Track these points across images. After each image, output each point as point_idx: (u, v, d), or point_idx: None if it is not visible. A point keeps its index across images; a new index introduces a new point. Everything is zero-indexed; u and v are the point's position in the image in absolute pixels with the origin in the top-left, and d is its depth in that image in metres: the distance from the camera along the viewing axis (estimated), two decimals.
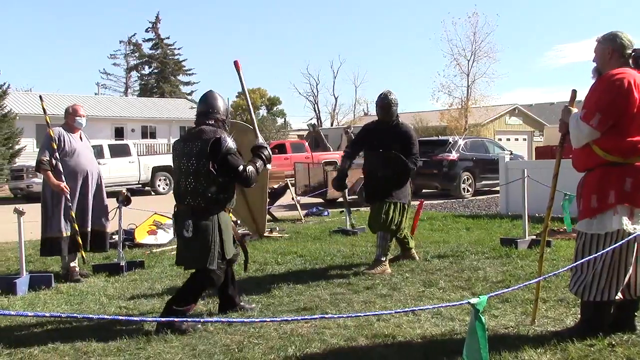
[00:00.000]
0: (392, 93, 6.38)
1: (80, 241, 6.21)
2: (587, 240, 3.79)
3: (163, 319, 4.13)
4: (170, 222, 8.88)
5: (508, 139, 40.28)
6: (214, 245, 4.29)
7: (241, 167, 4.35)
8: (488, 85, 55.14)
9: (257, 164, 4.53)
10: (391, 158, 6.19)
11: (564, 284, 5.21)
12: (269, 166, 4.75)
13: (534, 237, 7.45)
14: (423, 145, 16.41)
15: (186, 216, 4.31)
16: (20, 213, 5.66)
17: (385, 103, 6.36)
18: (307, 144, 26.06)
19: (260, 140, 4.77)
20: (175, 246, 8.01)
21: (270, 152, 4.73)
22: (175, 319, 4.03)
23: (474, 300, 2.53)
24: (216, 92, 4.65)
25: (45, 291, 5.72)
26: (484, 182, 16.39)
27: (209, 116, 4.50)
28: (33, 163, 12.41)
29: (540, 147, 24.45)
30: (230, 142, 4.33)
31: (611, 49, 3.80)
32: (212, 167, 4.28)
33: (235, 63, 4.76)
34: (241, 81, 4.81)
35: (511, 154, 17.34)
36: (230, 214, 4.68)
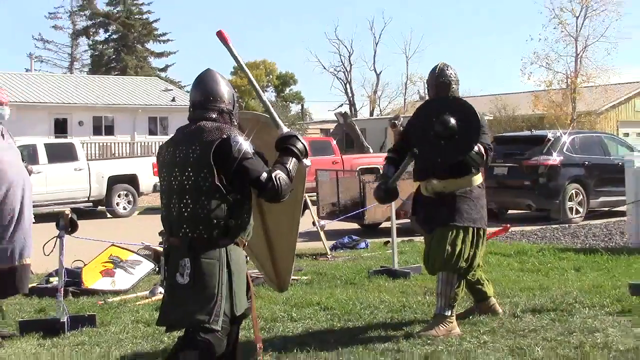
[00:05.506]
0: (450, 67, 6.48)
1: None
2: None
3: None
4: (134, 257, 8.97)
5: (639, 134, 39.89)
6: (221, 296, 4.28)
7: (264, 175, 4.29)
8: (608, 55, 54.70)
9: (288, 165, 4.44)
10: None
11: None
12: (307, 162, 4.66)
13: None
14: (509, 143, 16.38)
15: (182, 253, 4.32)
16: None
17: (440, 81, 6.42)
18: (334, 142, 26.11)
19: (285, 129, 4.69)
20: (141, 294, 8.14)
21: (305, 143, 4.63)
22: None
23: None
24: (217, 72, 4.67)
25: None
26: (601, 199, 16.19)
27: (208, 107, 4.52)
28: None
29: None
30: (243, 143, 4.33)
31: None
32: (218, 181, 4.29)
33: (220, 34, 4.74)
34: (234, 56, 4.82)
35: None
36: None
